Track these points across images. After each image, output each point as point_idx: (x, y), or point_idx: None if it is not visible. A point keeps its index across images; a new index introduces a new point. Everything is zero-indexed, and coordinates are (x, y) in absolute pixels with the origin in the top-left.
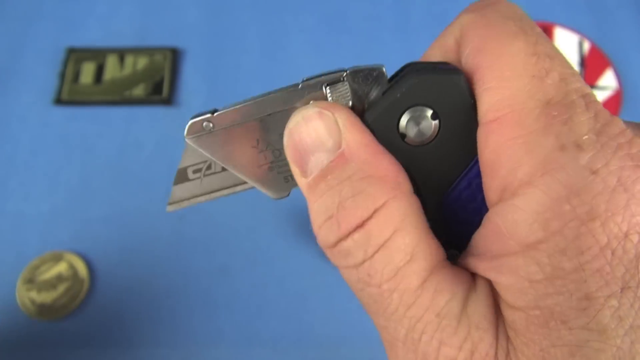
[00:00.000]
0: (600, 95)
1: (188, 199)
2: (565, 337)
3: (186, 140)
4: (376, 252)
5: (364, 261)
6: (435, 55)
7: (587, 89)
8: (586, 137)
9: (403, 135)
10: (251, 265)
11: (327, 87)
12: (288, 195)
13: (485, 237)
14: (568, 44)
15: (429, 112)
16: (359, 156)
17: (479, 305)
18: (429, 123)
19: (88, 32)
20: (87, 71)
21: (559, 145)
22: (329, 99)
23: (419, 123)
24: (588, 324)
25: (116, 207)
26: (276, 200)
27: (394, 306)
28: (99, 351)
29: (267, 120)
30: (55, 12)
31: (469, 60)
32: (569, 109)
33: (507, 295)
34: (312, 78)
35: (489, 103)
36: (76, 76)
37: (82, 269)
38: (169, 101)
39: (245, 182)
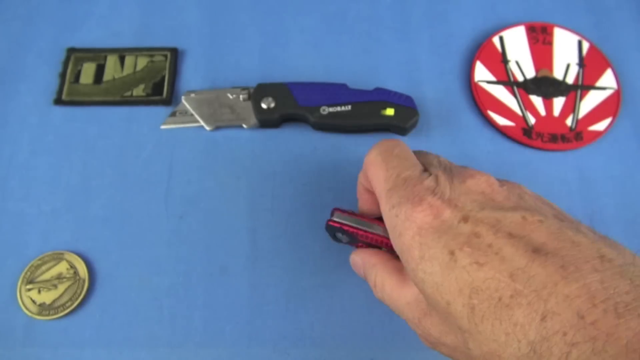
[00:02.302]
0: (600, 96)
1: None
2: (410, 264)
3: None
4: (384, 283)
5: (383, 299)
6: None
7: (407, 174)
8: (395, 201)
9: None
10: (251, 265)
11: None
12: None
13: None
14: (567, 44)
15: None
16: (378, 265)
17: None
18: None
19: (88, 32)
20: (87, 71)
21: (388, 208)
22: None
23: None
24: (412, 264)
25: (116, 207)
26: (276, 200)
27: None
28: (99, 351)
29: None
30: (55, 12)
31: (368, 179)
32: (393, 190)
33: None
34: None
35: (377, 196)
36: (76, 76)
37: (82, 268)
38: (169, 101)
39: None
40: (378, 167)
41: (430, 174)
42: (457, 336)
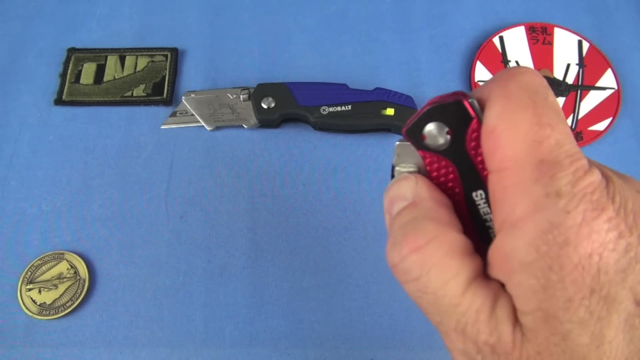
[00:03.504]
0: (600, 96)
1: None
2: (558, 328)
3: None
4: (431, 269)
5: (420, 276)
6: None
7: (574, 149)
8: (564, 188)
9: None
10: (251, 265)
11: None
12: None
13: (496, 258)
14: (567, 44)
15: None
16: (424, 204)
17: (504, 308)
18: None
19: (89, 32)
20: (88, 71)
21: (545, 193)
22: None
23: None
24: (571, 318)
25: (116, 207)
26: (276, 200)
27: (445, 306)
28: (99, 351)
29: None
30: (56, 12)
31: (491, 120)
32: (556, 167)
33: (518, 303)
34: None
35: (499, 157)
36: (77, 76)
37: (82, 268)
38: (169, 101)
39: None
40: (521, 111)
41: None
42: None
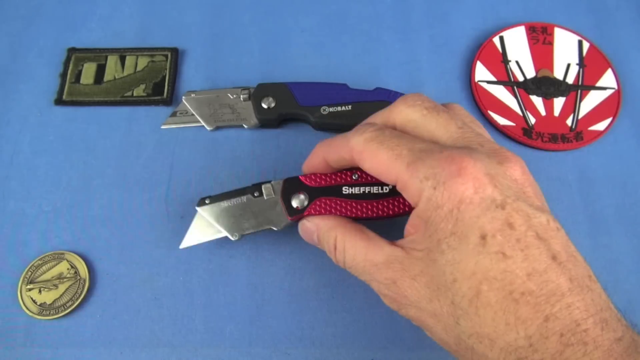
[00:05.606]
0: (600, 96)
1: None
2: (431, 256)
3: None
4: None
5: (344, 262)
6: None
7: (421, 146)
8: (428, 168)
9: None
10: (251, 265)
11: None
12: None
13: (412, 218)
14: (567, 44)
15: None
16: (319, 227)
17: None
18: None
19: (89, 32)
20: (88, 71)
21: (423, 176)
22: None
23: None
24: (437, 250)
25: (117, 207)
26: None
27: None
28: (99, 351)
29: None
30: (56, 12)
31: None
32: (419, 160)
33: (415, 244)
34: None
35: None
36: (77, 76)
37: (82, 268)
38: (169, 101)
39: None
40: (375, 151)
41: (462, 128)
42: (444, 307)
